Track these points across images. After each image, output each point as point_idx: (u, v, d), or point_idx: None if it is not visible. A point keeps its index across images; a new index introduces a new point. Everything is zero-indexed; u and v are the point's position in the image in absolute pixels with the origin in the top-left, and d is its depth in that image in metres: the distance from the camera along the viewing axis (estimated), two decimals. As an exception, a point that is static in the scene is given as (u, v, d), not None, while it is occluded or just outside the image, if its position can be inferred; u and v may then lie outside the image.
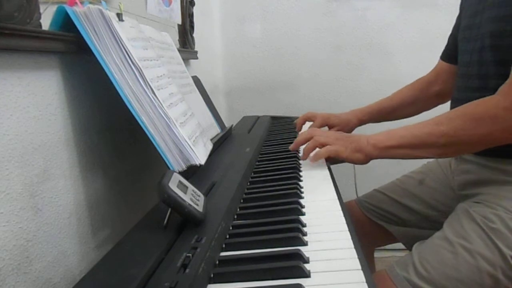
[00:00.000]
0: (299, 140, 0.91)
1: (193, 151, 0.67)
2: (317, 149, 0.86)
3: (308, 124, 1.21)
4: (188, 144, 0.67)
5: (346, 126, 1.17)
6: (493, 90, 0.78)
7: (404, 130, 0.81)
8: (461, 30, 0.94)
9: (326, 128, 1.17)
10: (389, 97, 1.19)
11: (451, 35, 1.08)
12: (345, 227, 0.58)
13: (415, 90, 1.16)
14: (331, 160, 0.90)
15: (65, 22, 0.60)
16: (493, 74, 0.79)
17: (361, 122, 1.19)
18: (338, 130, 1.15)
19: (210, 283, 0.46)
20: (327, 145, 0.85)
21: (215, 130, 1.07)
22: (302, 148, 0.92)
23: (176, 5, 1.18)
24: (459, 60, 0.93)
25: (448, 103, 1.13)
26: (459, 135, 0.74)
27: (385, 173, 1.25)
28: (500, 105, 0.71)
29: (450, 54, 1.07)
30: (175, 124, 0.66)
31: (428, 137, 0.77)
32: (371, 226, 1.07)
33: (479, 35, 0.83)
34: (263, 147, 1.08)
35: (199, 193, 0.58)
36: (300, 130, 1.22)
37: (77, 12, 0.60)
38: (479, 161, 0.85)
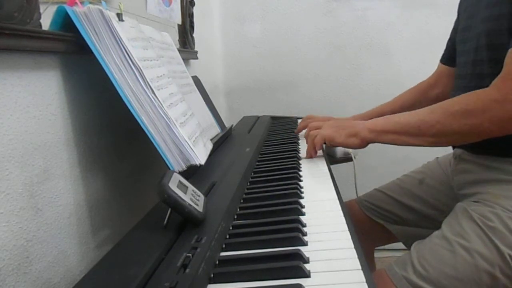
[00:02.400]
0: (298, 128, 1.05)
1: (193, 151, 0.67)
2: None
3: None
4: (188, 144, 0.67)
5: None
6: None
7: (401, 116, 0.83)
8: (458, 33, 0.95)
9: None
10: (390, 101, 1.20)
11: (449, 39, 1.09)
12: (345, 227, 0.58)
13: (415, 94, 1.16)
14: (329, 146, 0.96)
15: (65, 22, 0.60)
16: (488, 73, 0.79)
17: None
18: None
19: (210, 283, 0.46)
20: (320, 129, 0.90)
21: (215, 130, 1.07)
22: (303, 150, 0.94)
23: (176, 5, 1.18)
24: (457, 61, 0.95)
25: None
26: (450, 124, 0.76)
27: (385, 172, 1.25)
28: (491, 97, 0.73)
29: (449, 57, 1.07)
30: (175, 124, 0.66)
31: (422, 124, 0.79)
32: (371, 225, 1.07)
33: (474, 35, 0.84)
34: (263, 147, 1.08)
35: (199, 193, 0.58)
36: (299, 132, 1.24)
37: (77, 12, 0.60)
38: (478, 161, 0.85)
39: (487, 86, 0.78)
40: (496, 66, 0.76)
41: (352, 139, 0.85)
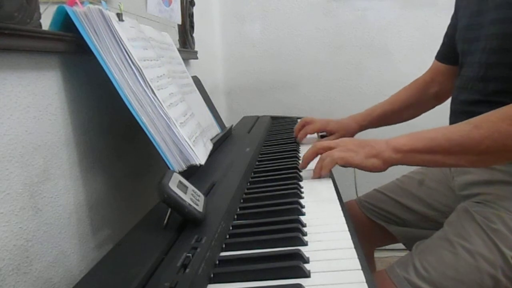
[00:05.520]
0: (306, 155, 0.81)
1: (193, 151, 0.67)
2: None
3: (309, 136, 1.15)
4: (188, 144, 0.67)
5: (346, 132, 1.12)
6: (494, 93, 0.77)
7: (434, 132, 0.72)
8: (459, 30, 0.92)
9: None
10: (388, 100, 1.17)
11: (446, 35, 1.06)
12: (345, 227, 0.58)
13: (413, 92, 1.14)
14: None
15: (65, 22, 0.60)
16: (495, 76, 0.78)
17: (361, 128, 1.15)
18: (338, 137, 1.09)
19: (210, 283, 0.46)
20: (332, 150, 0.76)
21: (215, 130, 1.07)
22: (303, 150, 0.87)
23: (176, 5, 1.18)
24: (460, 61, 0.92)
25: (444, 105, 1.13)
26: (504, 139, 0.66)
27: (385, 173, 1.25)
28: None
29: (446, 55, 1.05)
30: (175, 124, 0.66)
31: (467, 141, 0.68)
32: (371, 226, 1.07)
33: (482, 36, 0.81)
34: (263, 147, 1.08)
35: (199, 193, 0.58)
36: (297, 136, 1.14)
37: (77, 12, 0.60)
38: None
39: (493, 89, 0.77)
40: (506, 70, 0.75)
41: (372, 160, 0.73)
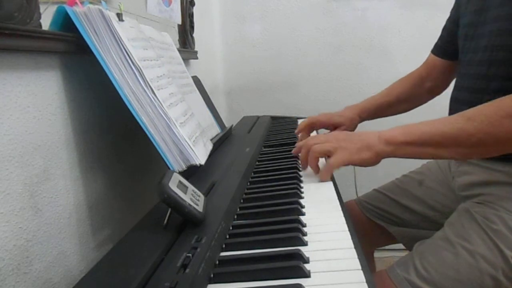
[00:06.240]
0: (302, 157, 0.83)
1: (193, 151, 0.67)
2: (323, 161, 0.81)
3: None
4: (188, 144, 0.67)
5: (350, 124, 1.12)
6: (495, 92, 0.76)
7: (426, 125, 0.72)
8: (462, 27, 0.91)
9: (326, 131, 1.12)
10: (384, 92, 1.16)
11: (444, 28, 1.04)
12: (345, 227, 0.58)
13: (409, 86, 1.13)
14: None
15: (65, 22, 0.60)
16: (498, 74, 0.77)
17: (361, 120, 1.16)
18: (343, 130, 1.09)
19: (210, 283, 0.46)
20: (328, 152, 0.77)
21: (215, 130, 1.07)
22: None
23: (176, 5, 1.18)
24: (461, 58, 0.91)
25: (438, 98, 1.13)
26: (496, 132, 0.66)
27: (385, 173, 1.25)
28: None
29: (444, 49, 1.04)
30: (175, 124, 0.66)
31: (459, 133, 0.68)
32: (371, 226, 1.07)
33: (485, 33, 0.80)
34: (263, 147, 1.08)
35: (199, 193, 0.58)
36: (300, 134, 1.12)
37: (77, 12, 0.60)
38: (481, 163, 0.83)
39: (494, 88, 0.76)
40: (509, 68, 0.74)
41: (365, 153, 0.74)
